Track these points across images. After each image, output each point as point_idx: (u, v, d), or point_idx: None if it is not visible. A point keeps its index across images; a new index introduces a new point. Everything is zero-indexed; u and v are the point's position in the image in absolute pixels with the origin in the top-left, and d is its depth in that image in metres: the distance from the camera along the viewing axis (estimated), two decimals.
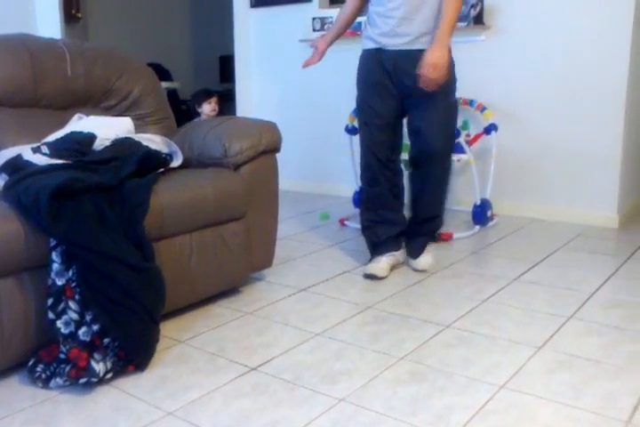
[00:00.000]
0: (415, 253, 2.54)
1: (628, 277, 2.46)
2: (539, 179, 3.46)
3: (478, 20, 3.45)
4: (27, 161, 1.93)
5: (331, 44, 2.55)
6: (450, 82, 2.29)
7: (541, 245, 2.93)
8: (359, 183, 3.55)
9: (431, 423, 1.43)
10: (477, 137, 3.34)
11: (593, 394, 1.56)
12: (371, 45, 2.37)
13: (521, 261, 2.67)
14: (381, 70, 2.34)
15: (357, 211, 3.57)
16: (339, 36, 2.57)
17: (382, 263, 2.47)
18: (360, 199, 2.63)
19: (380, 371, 1.69)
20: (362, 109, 2.46)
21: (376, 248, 2.52)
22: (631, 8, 3.04)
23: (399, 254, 2.55)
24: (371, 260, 2.53)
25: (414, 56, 2.24)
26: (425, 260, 2.52)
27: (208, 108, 3.50)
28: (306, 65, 2.54)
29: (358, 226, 3.25)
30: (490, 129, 3.28)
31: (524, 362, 1.73)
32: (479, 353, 1.80)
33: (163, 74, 6.00)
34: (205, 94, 3.65)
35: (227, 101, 6.36)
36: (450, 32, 2.20)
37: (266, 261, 2.38)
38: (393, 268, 2.53)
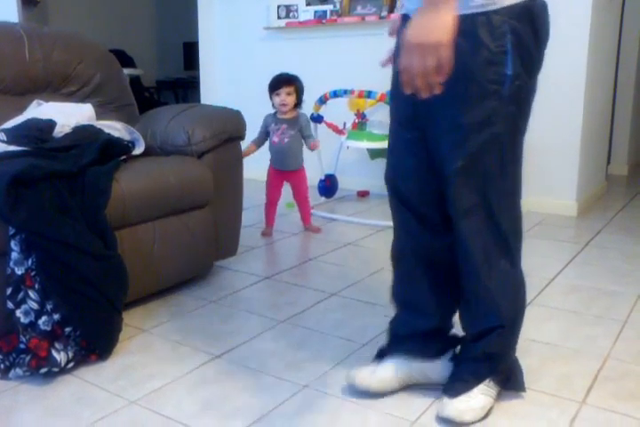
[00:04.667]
0: (451, 386, 1.45)
1: (585, 263, 2.52)
2: None
3: None
4: None
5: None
6: (485, 80, 1.24)
7: None
8: (324, 171, 3.57)
9: (395, 408, 1.46)
10: None
11: (550, 376, 1.60)
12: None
13: None
14: None
15: (322, 199, 3.59)
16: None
17: (384, 372, 1.50)
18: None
19: (344, 357, 1.71)
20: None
21: (388, 345, 1.59)
22: (589, 5, 3.09)
23: (421, 368, 1.52)
24: (375, 360, 1.58)
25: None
26: (459, 406, 1.39)
27: (277, 100, 2.80)
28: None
29: (323, 214, 3.27)
30: None
31: None
32: None
33: (126, 60, 5.89)
34: (273, 84, 2.82)
35: (191, 89, 6.28)
36: None
37: (230, 249, 2.38)
38: (405, 385, 1.52)
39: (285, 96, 2.77)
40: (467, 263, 1.39)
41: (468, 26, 1.20)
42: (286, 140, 2.82)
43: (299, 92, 2.82)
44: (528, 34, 1.25)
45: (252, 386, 1.56)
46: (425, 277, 1.48)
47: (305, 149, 2.90)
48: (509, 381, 1.48)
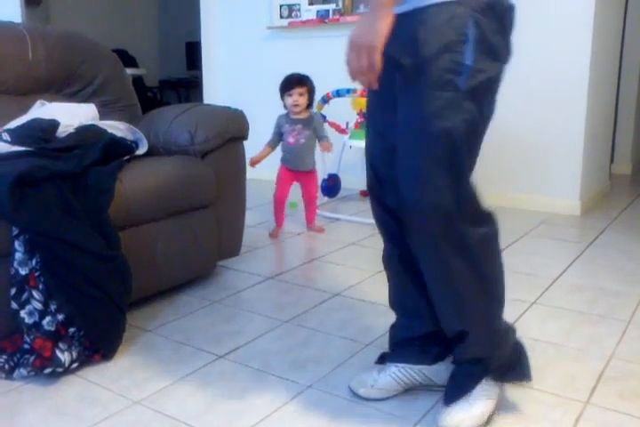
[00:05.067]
0: (448, 392, 1.42)
1: (589, 263, 2.52)
2: (502, 167, 3.50)
3: None
4: None
5: None
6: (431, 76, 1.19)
7: (505, 232, 2.96)
8: (327, 171, 3.57)
9: (398, 408, 1.45)
10: None
11: (554, 376, 1.60)
12: None
13: None
14: None
15: (325, 199, 3.58)
16: None
17: (386, 381, 1.49)
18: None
19: (348, 357, 1.71)
20: None
21: (389, 349, 1.59)
22: (592, 4, 3.09)
23: (423, 371, 1.51)
24: (377, 364, 1.58)
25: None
26: (457, 415, 1.36)
27: (289, 101, 2.75)
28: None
29: (326, 214, 3.26)
30: None
31: None
32: None
33: (128, 60, 5.90)
34: (285, 84, 2.78)
35: (193, 88, 6.29)
36: None
37: (233, 249, 2.38)
38: (408, 388, 1.52)
39: (298, 97, 2.74)
40: (422, 266, 1.34)
41: (424, 17, 1.19)
42: (302, 140, 2.81)
43: (310, 92, 2.79)
44: (494, 31, 1.21)
45: (255, 386, 1.56)
46: (414, 283, 1.44)
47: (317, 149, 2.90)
48: (513, 371, 1.42)
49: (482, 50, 1.20)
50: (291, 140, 2.81)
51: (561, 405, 1.47)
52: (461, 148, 1.23)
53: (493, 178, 3.54)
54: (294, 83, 2.74)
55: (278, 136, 2.86)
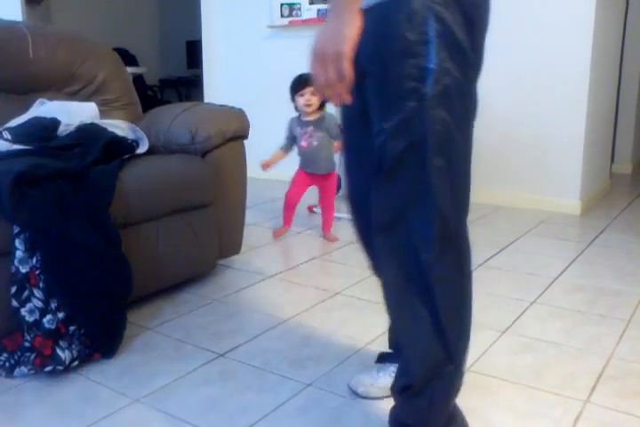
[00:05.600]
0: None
1: (589, 262, 2.52)
2: (502, 166, 3.51)
3: None
4: None
5: None
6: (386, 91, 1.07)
7: (505, 231, 2.98)
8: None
9: None
10: None
11: (554, 375, 1.60)
12: None
13: (485, 248, 2.71)
14: None
15: None
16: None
17: (385, 381, 1.47)
18: None
19: (348, 356, 1.71)
20: None
21: (389, 350, 1.56)
22: (592, 4, 3.08)
23: None
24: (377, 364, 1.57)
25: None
26: None
27: (301, 101, 2.65)
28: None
29: None
30: None
31: (489, 345, 1.77)
32: None
33: (129, 59, 5.90)
34: (296, 84, 2.70)
35: (194, 87, 6.29)
36: None
37: (234, 247, 2.38)
38: None
39: (310, 96, 2.64)
40: (383, 288, 1.19)
41: (384, 13, 1.03)
42: (315, 143, 2.73)
43: None
44: (457, 22, 1.03)
45: (256, 384, 1.56)
46: None
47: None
48: None
49: (446, 48, 1.03)
50: (303, 143, 2.75)
51: (561, 403, 1.47)
52: (434, 162, 1.07)
53: (493, 177, 3.54)
54: (306, 81, 2.59)
55: (291, 140, 2.81)
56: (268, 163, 2.77)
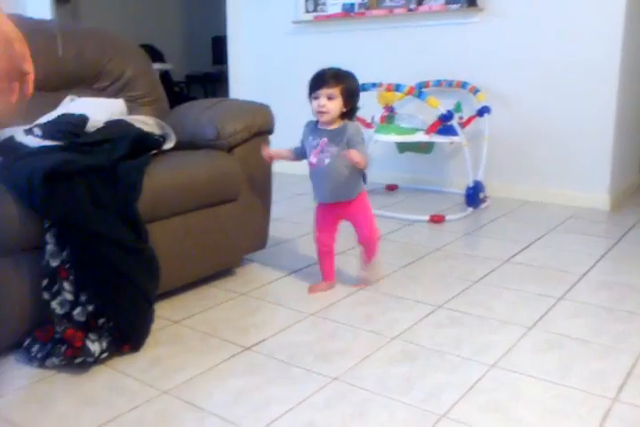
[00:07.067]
0: None
1: (618, 259, 2.48)
2: (531, 161, 3.47)
3: (472, 1, 3.43)
4: (19, 143, 1.92)
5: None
6: None
7: (533, 226, 2.95)
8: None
9: (423, 401, 1.46)
10: (470, 119, 3.34)
11: (581, 373, 1.58)
12: None
13: (513, 243, 2.69)
14: None
15: None
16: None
17: None
18: None
19: (373, 351, 1.71)
20: None
21: None
22: None
23: None
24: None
25: None
26: None
27: (314, 105, 1.94)
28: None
29: None
30: (482, 111, 3.29)
31: (515, 342, 1.76)
32: (470, 333, 1.82)
33: (155, 55, 5.96)
34: (310, 84, 1.96)
35: (219, 83, 6.32)
36: None
37: (259, 242, 2.39)
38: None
39: (325, 100, 1.90)
40: None
41: None
42: (327, 160, 1.95)
43: (347, 95, 1.93)
44: None
45: (281, 378, 1.57)
46: None
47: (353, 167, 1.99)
48: None
49: None
50: (312, 159, 1.99)
51: (588, 401, 1.46)
52: None
53: (521, 172, 3.51)
54: (323, 80, 1.91)
55: (303, 149, 2.08)
56: (271, 153, 2.13)
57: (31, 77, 0.98)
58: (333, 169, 1.96)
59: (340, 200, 2.04)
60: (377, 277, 2.23)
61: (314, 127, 2.01)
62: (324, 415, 1.40)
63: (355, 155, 1.87)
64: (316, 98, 1.93)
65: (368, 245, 2.15)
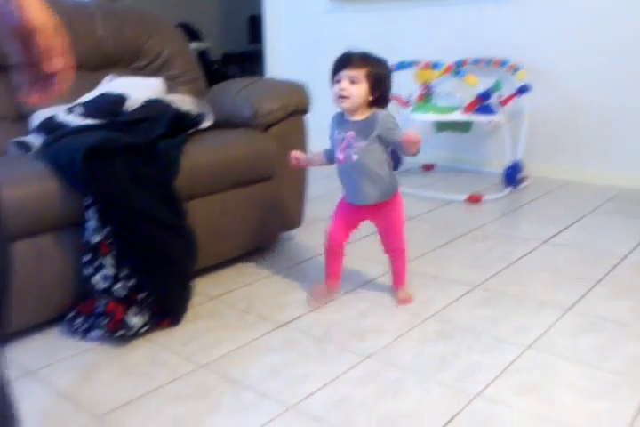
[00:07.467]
0: None
1: None
2: (572, 140, 3.39)
3: None
4: (61, 122, 1.96)
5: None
6: None
7: (573, 207, 2.90)
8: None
9: (457, 380, 1.46)
10: (510, 98, 3.27)
11: (619, 356, 1.56)
12: None
13: (552, 224, 2.65)
14: None
15: None
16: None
17: None
18: None
19: (408, 329, 1.72)
20: None
21: None
22: None
23: None
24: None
25: None
26: None
27: (335, 88, 1.69)
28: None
29: None
30: (522, 90, 3.21)
31: (552, 323, 1.74)
32: (507, 314, 1.81)
33: (192, 34, 5.97)
34: (333, 66, 1.72)
35: (256, 62, 6.31)
36: None
37: (295, 221, 2.41)
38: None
39: (347, 83, 1.66)
40: None
41: None
42: (355, 157, 1.71)
43: (374, 80, 1.67)
44: None
45: (316, 354, 1.59)
46: None
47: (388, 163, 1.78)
48: None
49: None
50: (339, 155, 1.75)
51: (626, 384, 1.44)
52: None
53: (562, 151, 3.44)
54: (346, 62, 1.68)
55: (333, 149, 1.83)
56: (300, 159, 1.88)
57: (66, 73, 0.82)
58: (363, 166, 1.72)
59: (366, 202, 1.79)
60: (410, 296, 1.92)
61: (340, 119, 1.76)
62: (358, 392, 1.42)
63: (413, 138, 1.63)
64: (338, 81, 1.69)
65: (396, 256, 1.90)
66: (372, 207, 1.80)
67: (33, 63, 0.80)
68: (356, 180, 1.75)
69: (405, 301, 1.89)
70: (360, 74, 1.66)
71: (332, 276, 1.94)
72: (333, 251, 1.91)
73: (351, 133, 1.71)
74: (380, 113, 1.70)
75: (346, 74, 1.67)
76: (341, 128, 1.75)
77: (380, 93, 1.69)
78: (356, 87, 1.66)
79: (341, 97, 1.68)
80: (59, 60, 0.81)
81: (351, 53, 1.70)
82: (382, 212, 1.82)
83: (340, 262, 1.93)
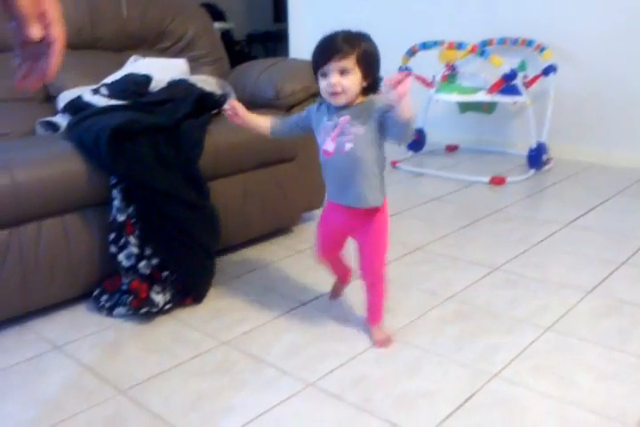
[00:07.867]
0: None
1: None
2: (597, 122, 3.33)
3: None
4: (86, 102, 1.99)
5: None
6: None
7: (597, 190, 2.86)
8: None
9: (475, 360, 1.47)
10: (535, 78, 3.22)
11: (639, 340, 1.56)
12: None
13: (575, 206, 2.62)
14: None
15: (410, 153, 3.54)
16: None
17: None
18: None
19: (427, 310, 1.73)
20: None
21: None
22: None
23: None
24: None
25: None
26: None
27: (323, 86, 1.39)
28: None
29: (411, 168, 3.24)
30: (548, 70, 3.16)
31: (573, 306, 1.74)
32: (527, 295, 1.81)
33: (216, 14, 5.95)
34: (314, 56, 1.44)
35: (280, 42, 6.28)
36: None
37: (317, 201, 2.41)
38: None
39: (337, 77, 1.36)
40: None
41: None
42: (349, 145, 1.41)
43: (365, 64, 1.38)
44: None
45: (336, 333, 1.61)
46: None
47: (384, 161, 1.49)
48: None
49: None
50: (328, 146, 1.46)
51: None
52: None
53: (586, 133, 3.38)
54: (330, 52, 1.38)
55: (293, 125, 1.60)
56: (237, 110, 1.55)
57: (55, 45, 0.72)
58: (358, 158, 1.41)
59: (361, 206, 1.47)
60: (388, 335, 1.59)
61: (327, 107, 1.46)
62: (377, 371, 1.44)
63: (393, 77, 1.26)
64: (324, 75, 1.39)
65: (374, 283, 1.58)
66: (359, 215, 1.50)
67: (19, 29, 0.69)
68: (348, 175, 1.44)
69: (383, 342, 1.56)
70: (350, 62, 1.36)
71: (339, 274, 1.79)
72: (332, 264, 1.75)
73: (346, 118, 1.40)
74: (378, 97, 1.41)
75: (334, 66, 1.36)
76: (331, 114, 1.44)
77: (373, 77, 1.41)
78: (348, 79, 1.36)
79: (334, 93, 1.38)
80: (50, 29, 0.71)
81: (333, 39, 1.40)
82: (369, 224, 1.51)
83: (343, 264, 1.75)
